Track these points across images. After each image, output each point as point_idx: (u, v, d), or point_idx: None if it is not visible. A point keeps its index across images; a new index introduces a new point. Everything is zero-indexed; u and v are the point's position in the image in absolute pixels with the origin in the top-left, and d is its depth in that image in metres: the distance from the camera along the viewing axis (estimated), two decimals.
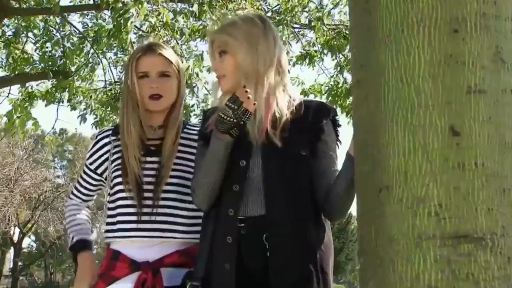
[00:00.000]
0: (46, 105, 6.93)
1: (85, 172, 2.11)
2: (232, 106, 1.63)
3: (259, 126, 1.70)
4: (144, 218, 1.89)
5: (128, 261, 1.88)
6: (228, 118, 1.63)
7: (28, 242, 35.77)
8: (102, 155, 2.04)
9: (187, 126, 2.07)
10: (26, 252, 35.43)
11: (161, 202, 1.90)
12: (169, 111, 1.99)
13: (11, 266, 29.99)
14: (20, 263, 29.53)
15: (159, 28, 5.15)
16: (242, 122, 1.65)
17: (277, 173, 1.68)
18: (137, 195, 1.89)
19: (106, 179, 2.07)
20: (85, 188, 2.12)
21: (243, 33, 1.74)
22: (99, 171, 2.06)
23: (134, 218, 1.90)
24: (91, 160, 2.07)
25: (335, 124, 1.79)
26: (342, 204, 1.70)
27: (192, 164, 1.91)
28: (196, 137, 1.96)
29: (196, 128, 2.04)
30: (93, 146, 2.09)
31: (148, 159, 1.94)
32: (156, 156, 1.94)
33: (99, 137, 2.10)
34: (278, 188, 1.67)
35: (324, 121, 1.76)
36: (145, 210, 1.89)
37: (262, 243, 1.64)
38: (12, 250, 29.42)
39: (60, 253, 37.06)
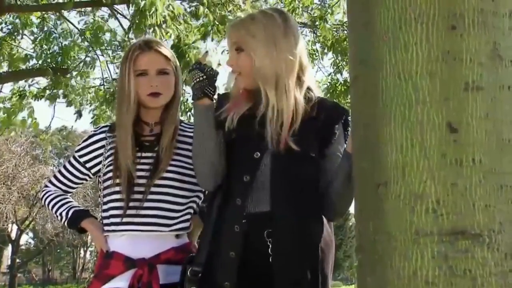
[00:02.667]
0: (45, 102, 6.92)
1: (71, 164, 2.08)
2: (198, 67, 1.74)
3: (278, 130, 1.67)
4: (133, 212, 1.89)
5: (122, 258, 1.87)
6: (199, 78, 1.73)
7: (26, 239, 35.82)
8: (95, 150, 2.03)
9: (182, 124, 2.07)
10: (24, 249, 35.43)
11: (154, 197, 1.91)
12: (166, 107, 1.99)
13: (9, 263, 29.99)
14: (18, 260, 29.50)
15: (170, 20, 5.14)
16: (212, 77, 1.75)
17: (285, 174, 1.67)
18: (127, 190, 1.89)
19: (94, 174, 2.06)
20: (68, 179, 2.09)
21: (262, 32, 1.67)
22: (88, 165, 2.05)
23: (124, 211, 1.90)
24: (82, 152, 2.06)
25: (346, 125, 1.76)
26: (339, 202, 1.69)
27: (187, 160, 1.92)
28: (191, 135, 1.97)
29: (191, 127, 2.05)
30: (86, 140, 2.08)
31: (143, 154, 1.95)
32: (151, 152, 1.95)
33: (94, 132, 2.09)
34: (284, 189, 1.66)
35: (337, 126, 1.74)
36: (135, 204, 1.89)
37: (263, 239, 1.64)
38: (9, 247, 29.43)
39: (58, 250, 37.06)
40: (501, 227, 1.11)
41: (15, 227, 27.93)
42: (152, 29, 4.94)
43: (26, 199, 24.41)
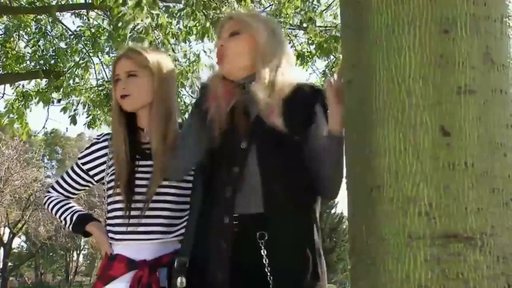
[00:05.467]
0: (38, 104, 6.86)
1: (74, 171, 2.09)
2: None
3: (267, 111, 1.65)
4: (135, 221, 1.90)
5: (125, 260, 1.89)
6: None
7: (18, 242, 35.58)
8: (98, 158, 2.04)
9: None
10: (16, 253, 35.20)
11: (155, 205, 1.91)
12: (149, 112, 1.98)
13: (1, 266, 29.80)
14: (10, 264, 29.32)
15: (153, 29, 5.13)
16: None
17: (274, 167, 1.64)
18: (127, 200, 1.89)
19: (97, 181, 2.06)
20: (71, 185, 2.10)
21: (261, 17, 1.81)
22: (91, 172, 2.06)
23: (126, 221, 1.91)
24: (85, 160, 2.06)
25: (325, 107, 1.75)
26: (333, 184, 1.68)
27: None
28: None
29: None
30: (90, 147, 2.09)
31: (142, 162, 1.95)
32: (150, 160, 1.94)
33: (96, 140, 2.10)
34: (275, 184, 1.63)
35: (316, 105, 1.74)
36: (137, 213, 1.90)
37: (256, 241, 1.61)
38: (1, 251, 29.22)
39: (51, 253, 36.86)
40: (493, 230, 1.12)
41: (7, 230, 27.78)
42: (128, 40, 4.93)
43: (19, 202, 24.28)
